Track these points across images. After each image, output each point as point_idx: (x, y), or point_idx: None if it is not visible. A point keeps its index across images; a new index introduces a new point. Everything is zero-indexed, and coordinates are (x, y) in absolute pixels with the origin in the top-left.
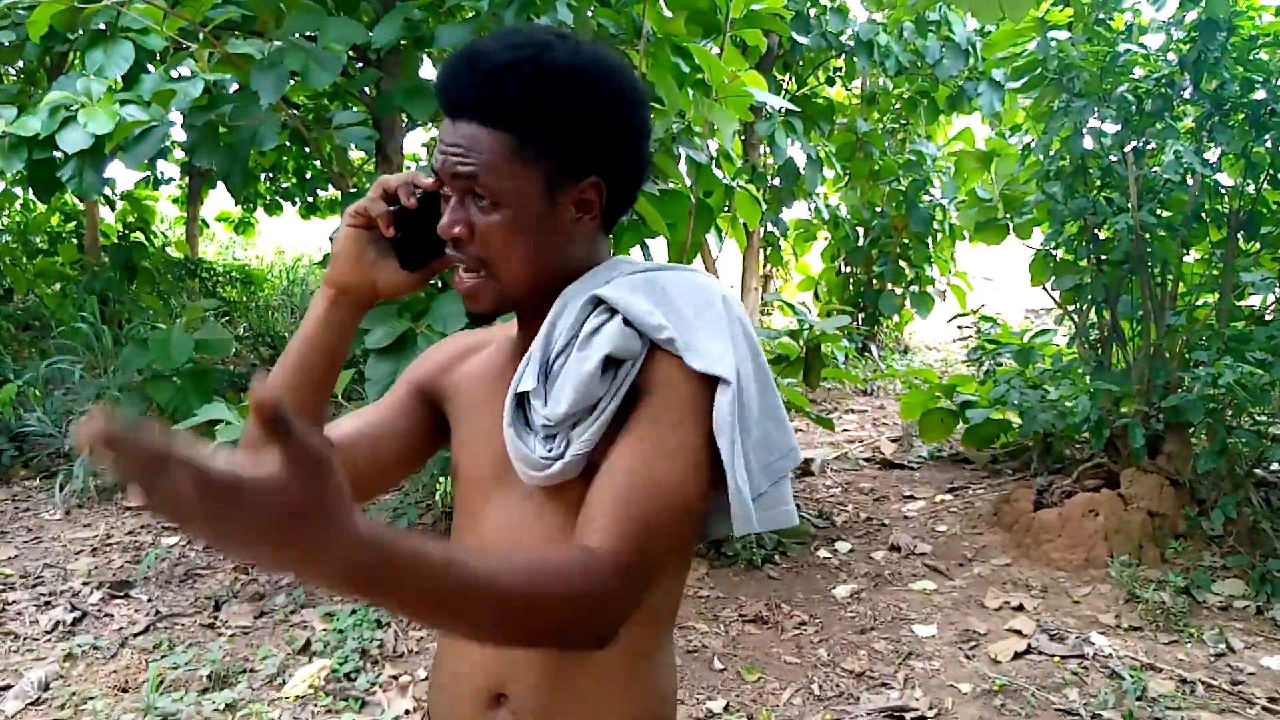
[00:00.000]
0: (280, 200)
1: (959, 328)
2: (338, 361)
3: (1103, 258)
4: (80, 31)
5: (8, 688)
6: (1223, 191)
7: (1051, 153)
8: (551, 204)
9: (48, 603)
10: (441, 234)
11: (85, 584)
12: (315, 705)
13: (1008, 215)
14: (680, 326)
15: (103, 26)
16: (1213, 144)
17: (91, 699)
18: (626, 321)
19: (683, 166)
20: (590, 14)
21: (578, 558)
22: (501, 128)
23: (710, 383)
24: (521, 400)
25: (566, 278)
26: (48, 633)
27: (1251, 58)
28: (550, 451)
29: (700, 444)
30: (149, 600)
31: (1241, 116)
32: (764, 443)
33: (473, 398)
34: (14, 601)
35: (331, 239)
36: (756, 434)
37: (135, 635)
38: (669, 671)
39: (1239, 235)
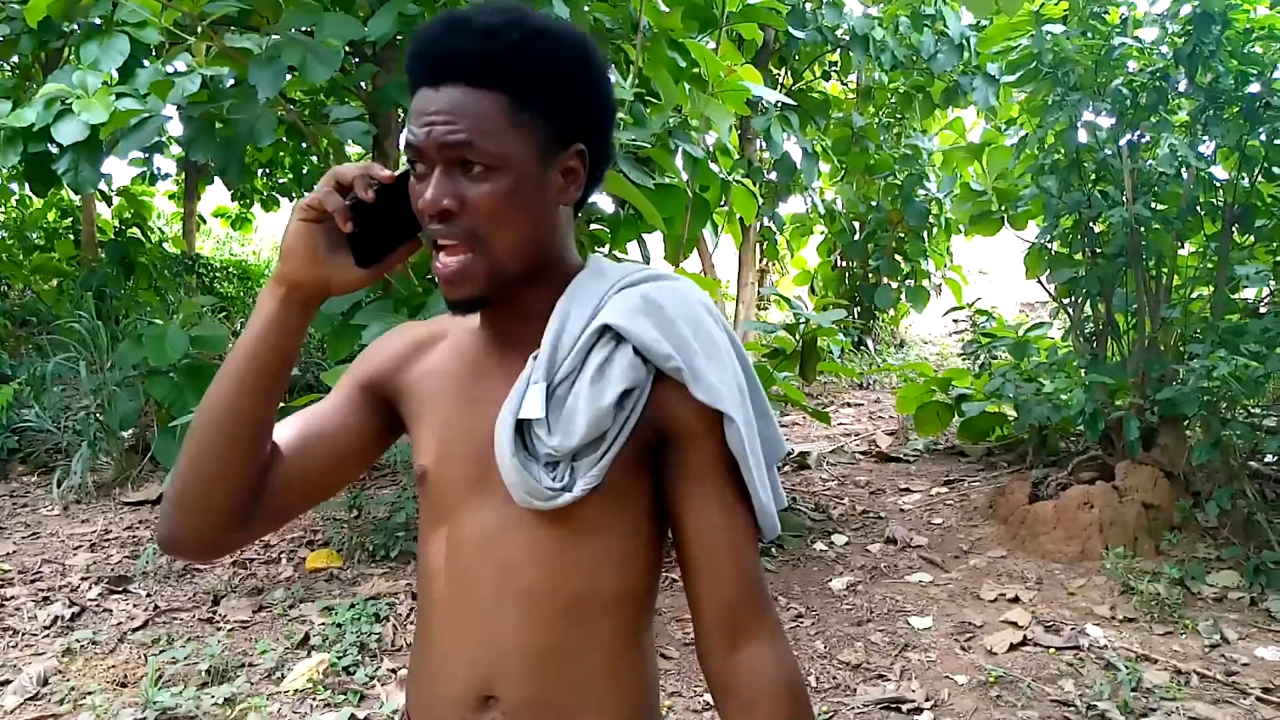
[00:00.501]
0: (277, 196)
1: (954, 321)
2: (289, 361)
3: (1098, 251)
4: (76, 26)
5: (7, 683)
6: (1217, 185)
7: (1046, 146)
8: (543, 170)
9: (46, 598)
10: (425, 210)
11: (84, 579)
12: (314, 699)
13: (1002, 208)
14: (683, 351)
15: (98, 20)
16: (1207, 137)
17: (90, 694)
18: (634, 349)
19: (679, 161)
20: (586, 8)
21: (777, 680)
22: (494, 88)
23: (719, 411)
24: (519, 426)
25: (551, 260)
26: (46, 628)
27: (1246, 51)
28: (555, 481)
29: (735, 477)
30: (147, 595)
31: (1236, 110)
32: (762, 440)
33: (438, 398)
34: (12, 597)
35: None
36: (758, 438)
37: (134, 630)
38: (652, 657)
39: (1234, 228)
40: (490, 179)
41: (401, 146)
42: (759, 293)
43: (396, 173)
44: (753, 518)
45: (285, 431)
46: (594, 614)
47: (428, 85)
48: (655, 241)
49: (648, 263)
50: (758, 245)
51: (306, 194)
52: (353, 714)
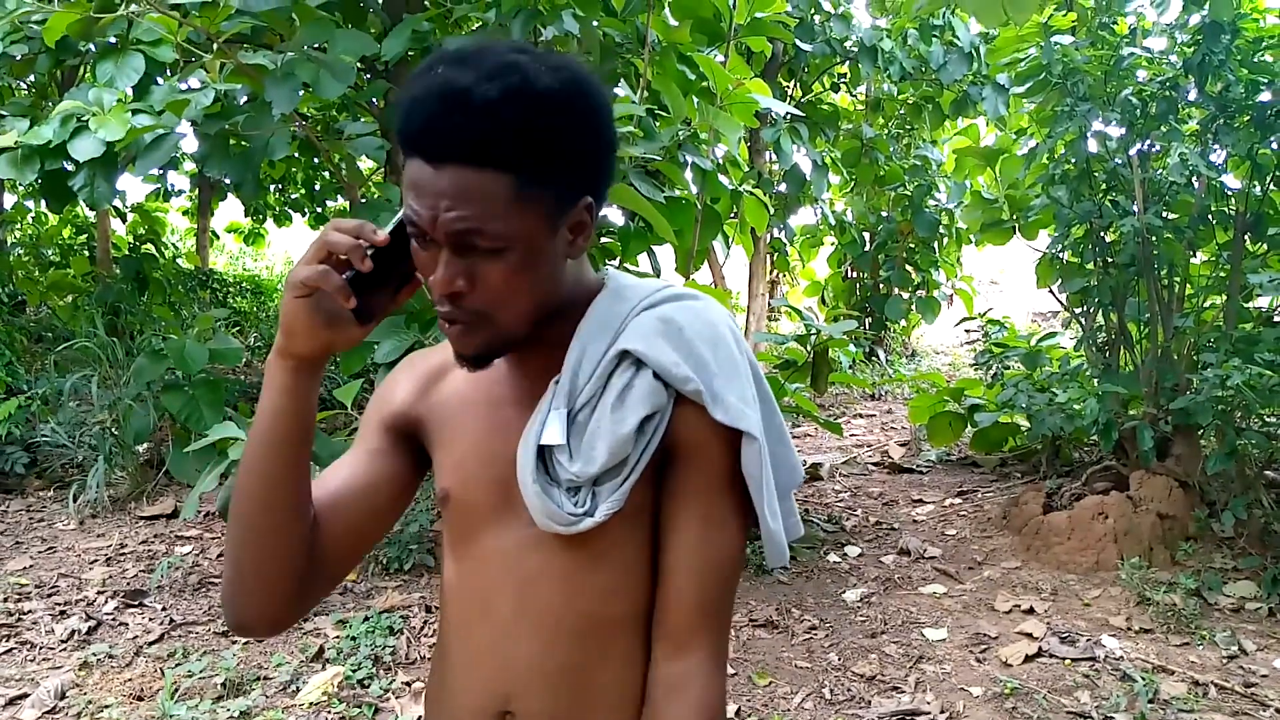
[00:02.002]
0: (290, 211)
1: (966, 331)
2: (312, 422)
3: (1109, 260)
4: (93, 46)
5: (25, 696)
6: (1229, 194)
7: (1057, 156)
8: (552, 234)
9: (63, 612)
10: (437, 290)
11: (100, 593)
12: (329, 712)
13: (1013, 216)
14: (703, 373)
15: (114, 39)
16: (1218, 146)
17: (107, 707)
18: (654, 373)
19: (688, 174)
20: (595, 24)
21: (687, 710)
22: (499, 169)
23: (736, 432)
24: (541, 451)
25: (563, 300)
26: (63, 642)
27: (1256, 60)
28: (578, 506)
29: (739, 499)
30: (163, 609)
31: (1247, 119)
32: (777, 466)
33: (459, 422)
34: (30, 611)
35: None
36: (773, 462)
37: (150, 644)
38: None
39: (1246, 237)
40: (500, 257)
41: (400, 214)
42: (769, 304)
43: (390, 229)
44: (740, 541)
45: (324, 491)
46: (609, 632)
47: (426, 162)
48: (666, 254)
49: (658, 275)
50: (768, 257)
51: (358, 214)
52: None
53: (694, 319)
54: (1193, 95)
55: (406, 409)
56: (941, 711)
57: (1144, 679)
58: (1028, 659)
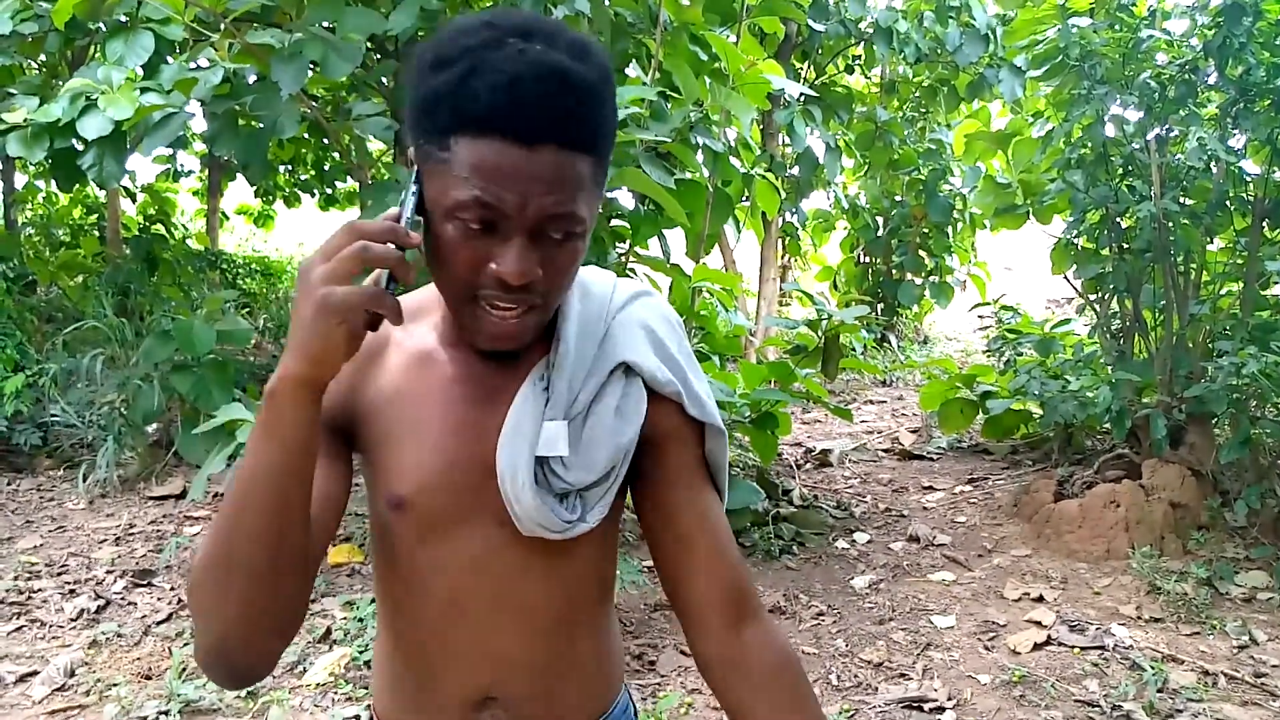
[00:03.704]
0: (299, 192)
1: (979, 317)
2: (316, 452)
3: (1125, 246)
4: (102, 26)
5: (35, 674)
6: (1248, 179)
7: (1073, 140)
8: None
9: (72, 591)
10: (511, 281)
11: (109, 572)
12: (336, 693)
13: (1027, 201)
14: (677, 373)
15: (124, 18)
16: (1237, 131)
17: (115, 685)
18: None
19: (700, 157)
20: (607, 3)
21: (784, 653)
22: (585, 152)
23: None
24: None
25: None
26: (73, 620)
27: (1278, 43)
28: (570, 512)
29: (710, 478)
30: (171, 589)
31: (1267, 103)
32: None
33: (410, 421)
34: (40, 590)
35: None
36: None
37: (158, 623)
38: (617, 627)
39: (1264, 223)
40: (570, 242)
41: (455, 199)
42: (781, 289)
43: (419, 232)
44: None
45: None
46: (583, 611)
47: (515, 143)
48: (676, 237)
49: (668, 260)
50: (780, 241)
51: (329, 289)
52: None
53: (660, 320)
54: (1212, 79)
55: (344, 403)
56: (949, 699)
57: (1153, 668)
58: (1036, 647)
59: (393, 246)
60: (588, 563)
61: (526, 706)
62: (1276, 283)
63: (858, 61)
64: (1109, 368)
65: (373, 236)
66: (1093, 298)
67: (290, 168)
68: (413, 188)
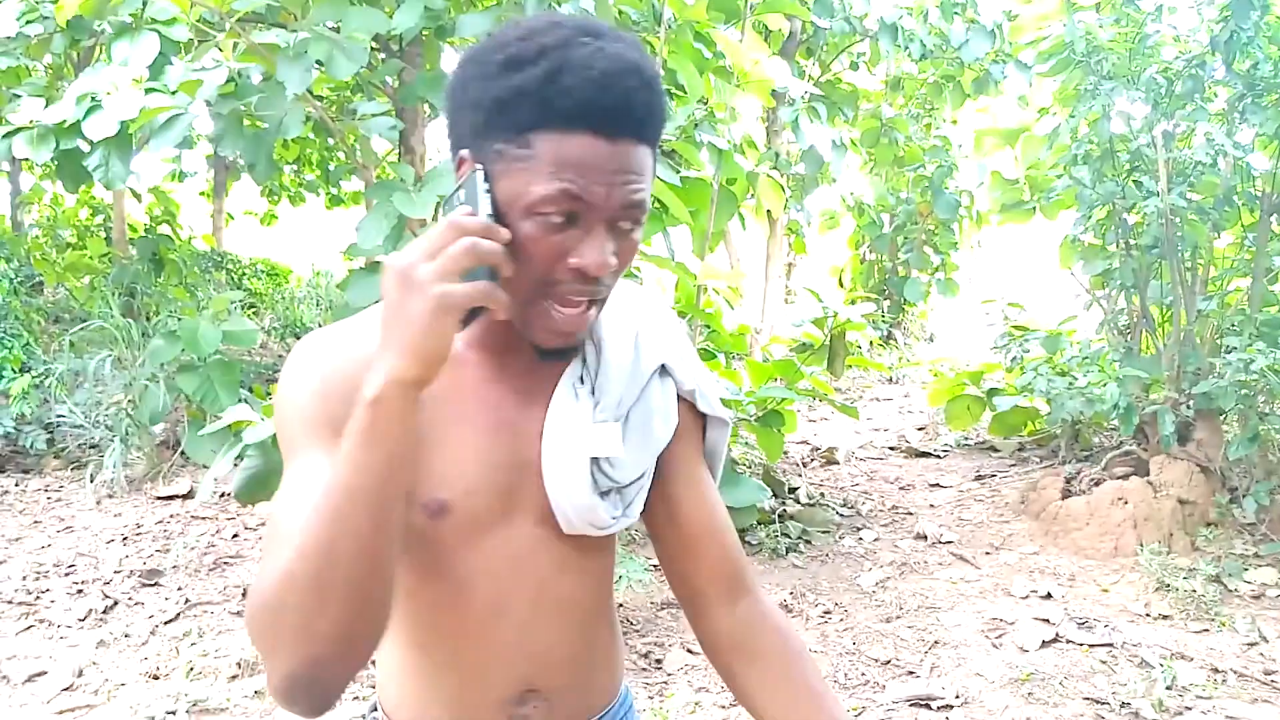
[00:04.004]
0: (304, 193)
1: (986, 314)
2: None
3: (1132, 242)
4: (107, 27)
5: (43, 674)
6: (1255, 174)
7: (1079, 136)
8: None
9: (80, 591)
10: (596, 271)
11: (116, 573)
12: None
13: (1034, 197)
14: (693, 372)
15: (128, 18)
16: (1245, 125)
17: (123, 685)
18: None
19: (705, 154)
20: (611, 1)
21: (790, 638)
22: (649, 143)
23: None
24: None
25: None
26: (80, 620)
27: None
28: (615, 509)
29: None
30: (179, 589)
31: (1275, 97)
32: None
33: (445, 424)
34: (47, 590)
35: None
36: None
37: (166, 623)
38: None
39: (1272, 218)
40: (636, 231)
41: (540, 194)
42: (786, 286)
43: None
44: None
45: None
46: (605, 603)
47: (604, 136)
48: (681, 234)
49: (673, 257)
50: (785, 238)
51: (445, 286)
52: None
53: (672, 320)
54: (1219, 73)
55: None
56: (956, 696)
57: (1162, 665)
58: (1044, 644)
59: (485, 239)
60: (610, 555)
61: (567, 697)
62: None
63: (862, 58)
64: (1116, 364)
65: (473, 233)
66: (1100, 294)
67: (296, 167)
68: (484, 186)
